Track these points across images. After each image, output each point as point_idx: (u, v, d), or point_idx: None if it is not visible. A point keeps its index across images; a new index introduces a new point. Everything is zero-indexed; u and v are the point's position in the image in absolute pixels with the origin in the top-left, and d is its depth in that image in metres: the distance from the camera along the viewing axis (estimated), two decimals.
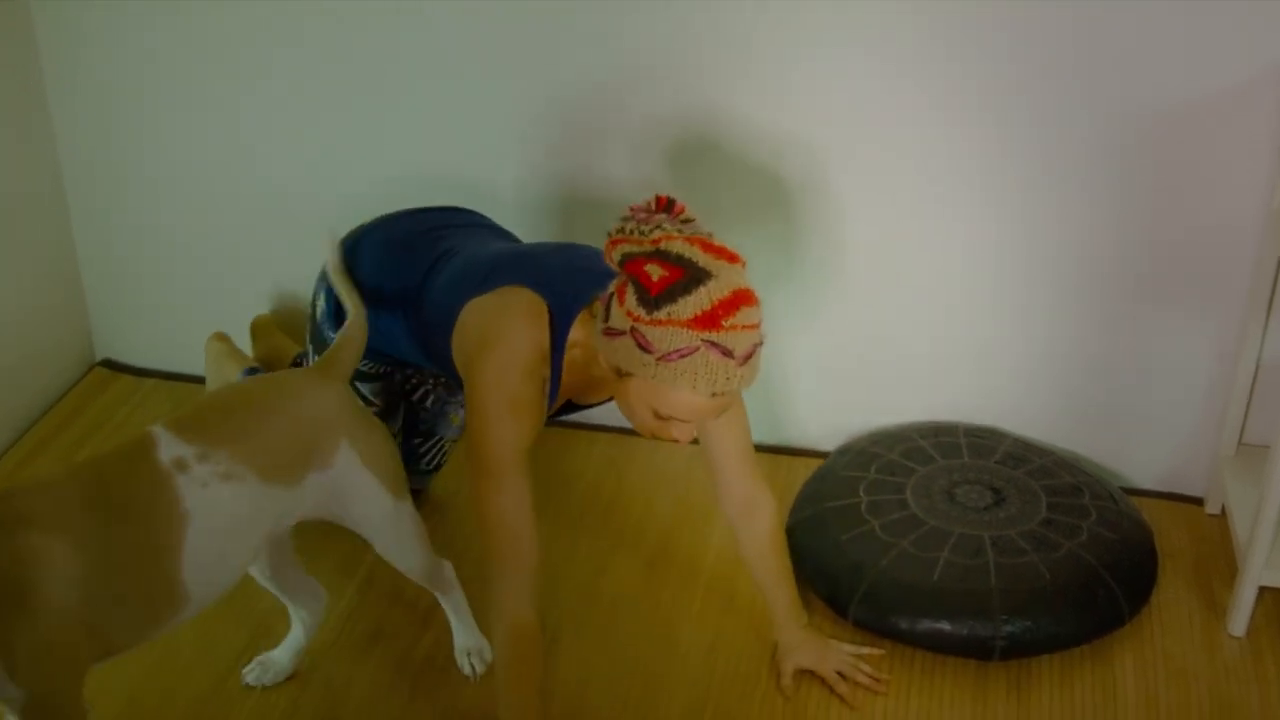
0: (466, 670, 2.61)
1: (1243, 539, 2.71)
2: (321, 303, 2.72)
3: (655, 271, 2.13)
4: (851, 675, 2.62)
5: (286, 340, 3.15)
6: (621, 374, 2.21)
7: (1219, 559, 2.91)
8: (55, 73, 3.17)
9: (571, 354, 2.35)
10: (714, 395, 2.16)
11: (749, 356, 2.17)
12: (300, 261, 2.74)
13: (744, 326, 2.15)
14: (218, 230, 3.26)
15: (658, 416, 2.22)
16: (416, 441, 2.95)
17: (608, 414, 3.14)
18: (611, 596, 2.81)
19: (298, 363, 3.12)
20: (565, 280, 2.36)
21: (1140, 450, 3.05)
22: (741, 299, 2.15)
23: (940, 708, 2.57)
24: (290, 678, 2.60)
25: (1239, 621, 2.72)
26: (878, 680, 2.62)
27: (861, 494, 2.87)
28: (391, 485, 2.36)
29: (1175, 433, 3.02)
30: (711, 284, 2.13)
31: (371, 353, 2.70)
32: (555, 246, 2.54)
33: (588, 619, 2.75)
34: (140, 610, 2.03)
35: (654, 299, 2.13)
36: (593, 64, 2.91)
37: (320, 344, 2.75)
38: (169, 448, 2.04)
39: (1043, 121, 2.78)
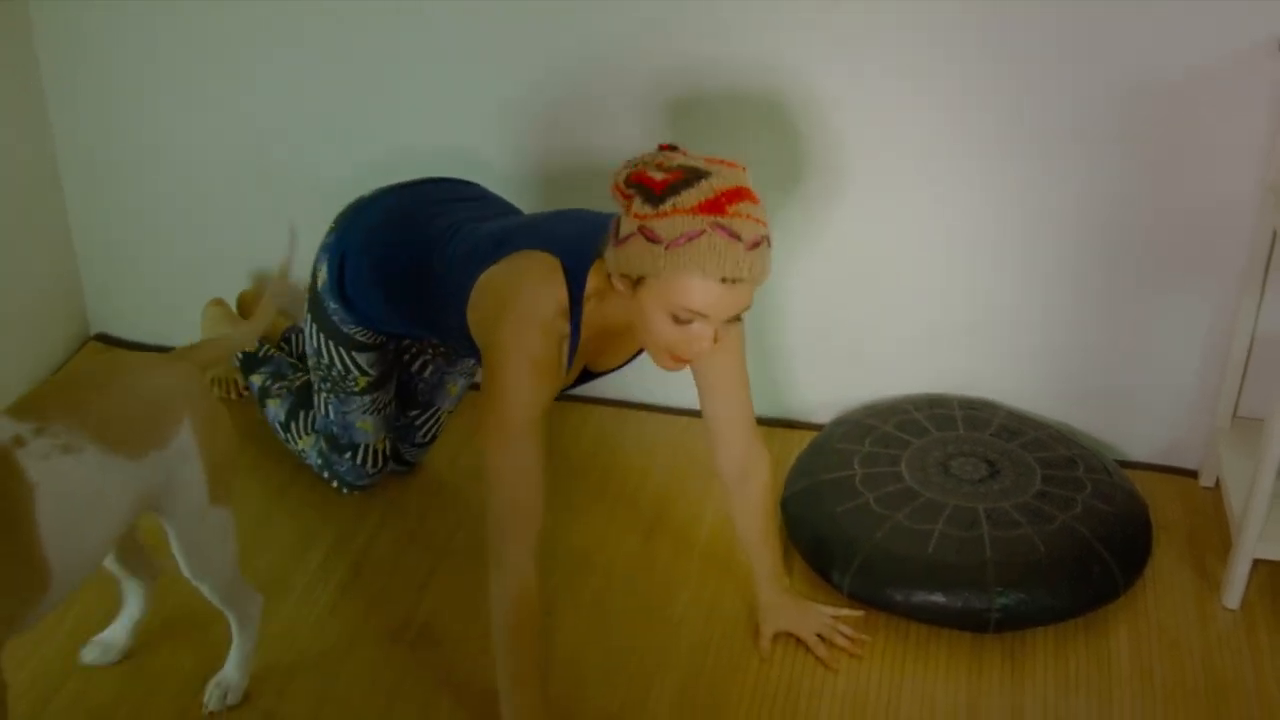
0: (210, 701, 2.48)
1: (1237, 512, 2.72)
2: (324, 273, 2.73)
3: (658, 175, 2.17)
4: (830, 637, 2.62)
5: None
6: (635, 285, 2.21)
7: (1213, 532, 2.91)
8: (54, 72, 3.20)
9: (589, 306, 2.34)
10: (724, 280, 2.15)
11: (756, 244, 2.16)
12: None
13: (749, 216, 2.16)
14: (211, 210, 3.28)
15: (677, 321, 2.19)
16: (413, 414, 2.95)
17: (604, 387, 3.18)
18: (606, 568, 2.82)
19: (287, 336, 3.16)
20: (575, 239, 2.37)
21: (1135, 423, 3.06)
22: (744, 193, 2.18)
23: (935, 680, 2.57)
24: (127, 656, 2.56)
25: (1233, 594, 2.72)
26: (856, 642, 2.63)
27: (856, 466, 2.87)
28: (213, 482, 2.25)
29: (1170, 406, 3.02)
30: (714, 178, 2.17)
31: (366, 320, 2.72)
32: (560, 213, 2.55)
33: (582, 590, 2.76)
34: (11, 586, 2.00)
35: (658, 195, 2.16)
36: (589, 42, 2.93)
37: (319, 313, 2.76)
38: (2, 430, 2.01)
39: (1038, 100, 2.79)
